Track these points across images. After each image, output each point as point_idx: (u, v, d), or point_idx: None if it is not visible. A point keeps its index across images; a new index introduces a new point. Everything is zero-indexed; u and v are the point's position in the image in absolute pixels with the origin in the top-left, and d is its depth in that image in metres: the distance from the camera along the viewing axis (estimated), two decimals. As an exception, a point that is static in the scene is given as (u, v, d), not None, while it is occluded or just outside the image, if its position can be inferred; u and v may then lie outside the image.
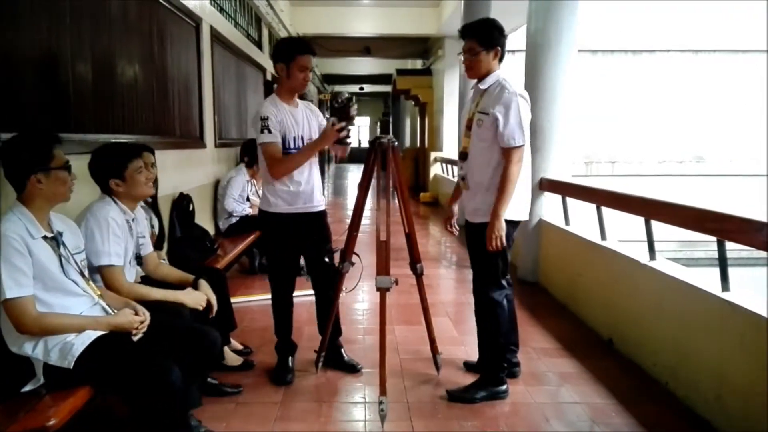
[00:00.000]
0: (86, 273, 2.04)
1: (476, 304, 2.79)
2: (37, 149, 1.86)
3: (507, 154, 2.56)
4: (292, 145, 2.74)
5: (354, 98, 2.71)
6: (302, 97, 2.95)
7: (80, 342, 1.85)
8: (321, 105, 15.41)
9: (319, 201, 2.89)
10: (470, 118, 2.69)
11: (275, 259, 2.95)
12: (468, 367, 3.03)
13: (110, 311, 2.03)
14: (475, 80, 2.71)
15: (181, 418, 2.11)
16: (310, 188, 2.82)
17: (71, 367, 1.82)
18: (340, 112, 2.67)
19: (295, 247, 2.90)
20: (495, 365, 2.72)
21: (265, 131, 2.66)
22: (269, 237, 2.95)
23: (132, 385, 1.91)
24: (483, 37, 2.61)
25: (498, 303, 2.69)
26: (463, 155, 2.75)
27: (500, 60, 2.65)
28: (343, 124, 2.66)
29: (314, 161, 2.87)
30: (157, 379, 1.87)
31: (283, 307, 2.96)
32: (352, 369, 3.01)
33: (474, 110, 2.67)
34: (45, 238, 1.86)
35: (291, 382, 2.86)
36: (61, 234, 1.94)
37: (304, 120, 2.81)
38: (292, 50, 2.71)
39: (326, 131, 2.69)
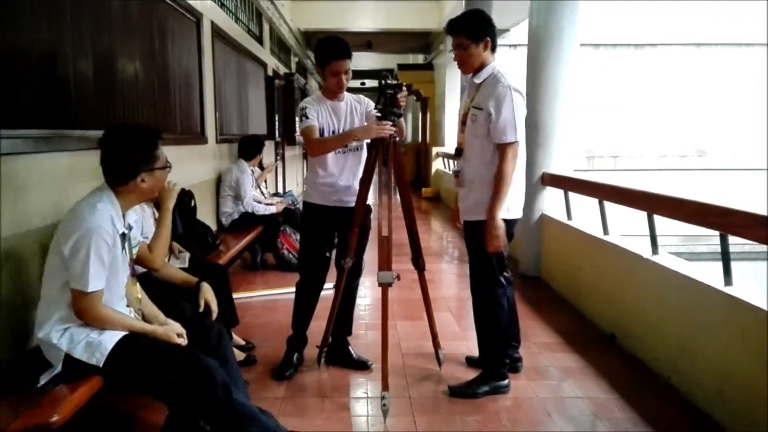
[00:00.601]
0: (135, 271, 2.05)
1: (474, 302, 2.77)
2: (149, 149, 1.91)
3: (500, 150, 2.49)
4: None
5: (404, 85, 2.56)
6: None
7: (108, 340, 1.84)
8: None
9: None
10: (465, 113, 2.63)
11: (304, 250, 2.96)
12: (470, 362, 3.03)
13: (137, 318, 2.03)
14: (470, 74, 2.65)
15: (227, 404, 1.96)
16: (346, 183, 2.79)
17: (101, 365, 1.81)
18: (389, 99, 2.53)
19: (326, 242, 2.89)
20: (496, 360, 2.72)
21: (303, 118, 2.71)
22: (303, 227, 2.99)
23: (169, 380, 1.86)
24: (470, 30, 2.55)
25: (496, 300, 2.66)
26: (459, 151, 2.71)
27: (492, 50, 2.59)
28: (388, 123, 2.55)
29: (357, 158, 2.82)
30: (195, 367, 1.86)
31: (306, 300, 2.95)
32: (363, 366, 2.99)
33: (469, 105, 2.61)
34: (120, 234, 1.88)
35: (290, 378, 2.87)
36: (130, 228, 1.98)
37: (347, 115, 2.79)
38: (326, 55, 2.67)
39: (369, 125, 2.63)
